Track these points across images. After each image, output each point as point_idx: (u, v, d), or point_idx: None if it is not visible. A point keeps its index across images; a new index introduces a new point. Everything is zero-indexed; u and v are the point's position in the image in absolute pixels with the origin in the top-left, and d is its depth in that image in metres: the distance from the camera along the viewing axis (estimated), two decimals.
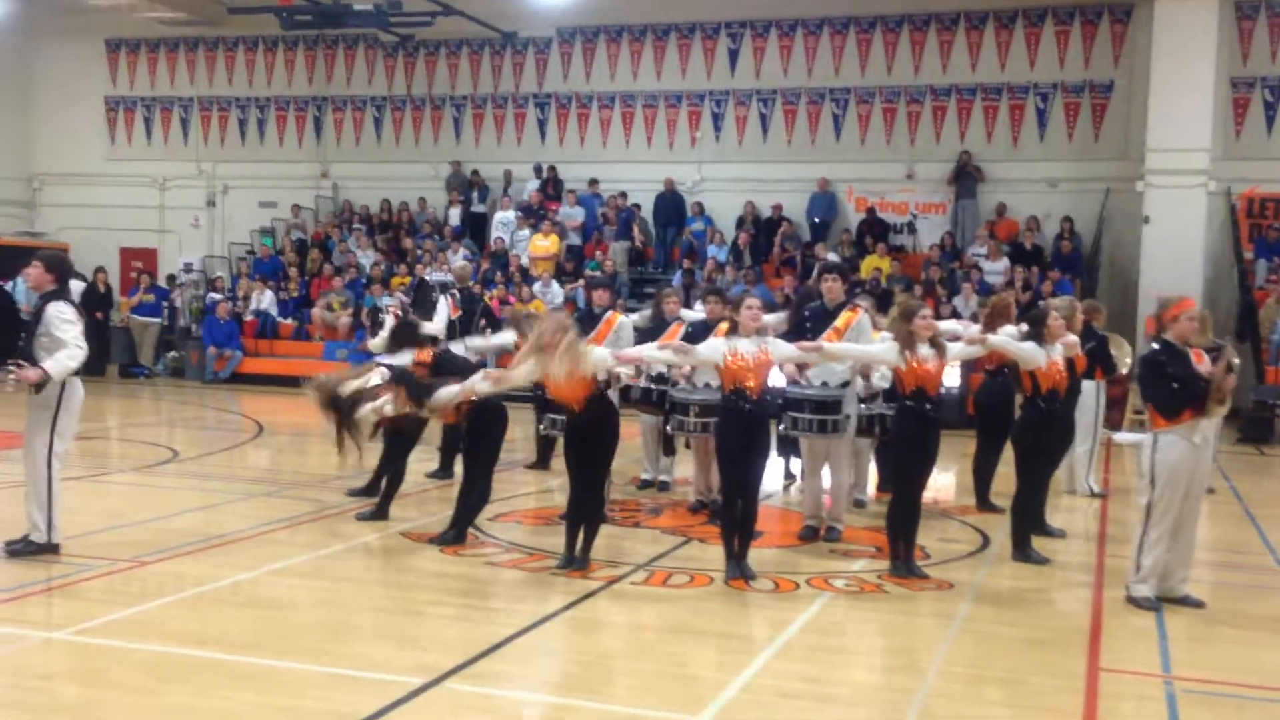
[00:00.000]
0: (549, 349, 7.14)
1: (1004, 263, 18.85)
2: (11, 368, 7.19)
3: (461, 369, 8.29)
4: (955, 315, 16.34)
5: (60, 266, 7.53)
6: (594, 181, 21.66)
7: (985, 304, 10.34)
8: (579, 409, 7.42)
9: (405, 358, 8.55)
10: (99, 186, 24.80)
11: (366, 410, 8.18)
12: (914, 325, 7.49)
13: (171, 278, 23.04)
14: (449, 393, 7.83)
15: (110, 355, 20.99)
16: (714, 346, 7.45)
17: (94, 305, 20.07)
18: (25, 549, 7.40)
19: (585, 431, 7.50)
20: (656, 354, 7.87)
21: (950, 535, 9.19)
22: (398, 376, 8.16)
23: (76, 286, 19.07)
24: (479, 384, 7.77)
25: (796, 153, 21.27)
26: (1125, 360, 11.71)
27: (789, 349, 7.57)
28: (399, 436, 9.14)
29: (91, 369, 19.21)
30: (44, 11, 24.09)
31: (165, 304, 21.80)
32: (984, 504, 10.15)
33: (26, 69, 25.20)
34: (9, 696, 5.28)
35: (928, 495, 9.16)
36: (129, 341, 21.30)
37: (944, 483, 11.71)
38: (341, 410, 8.21)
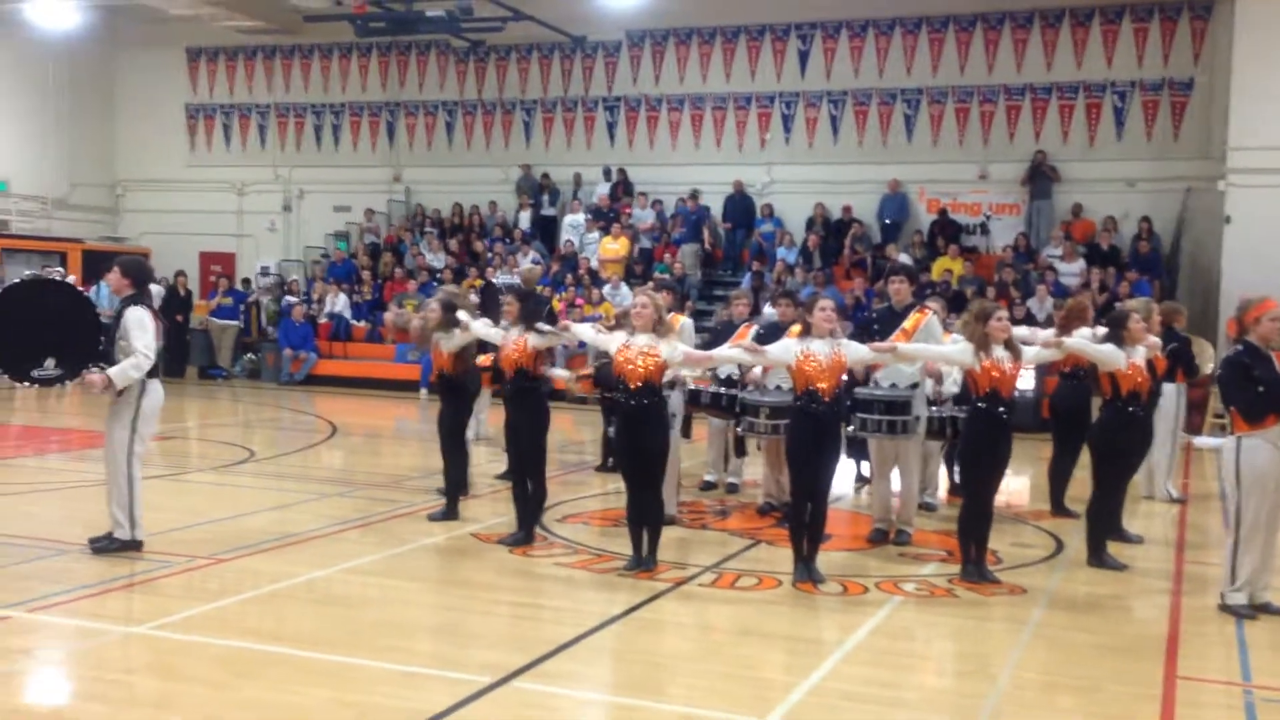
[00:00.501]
0: (635, 316, 7.42)
1: (1080, 264, 18.54)
2: (94, 372, 7.38)
3: None
4: (1030, 317, 16.12)
5: (138, 272, 7.68)
6: (695, 194, 21.26)
7: (1061, 306, 10.17)
8: (633, 388, 7.40)
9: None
10: (179, 192, 25.38)
11: (458, 332, 8.85)
12: (989, 327, 7.40)
13: (247, 281, 23.49)
14: (549, 332, 8.15)
15: (190, 357, 21.47)
16: (786, 347, 7.45)
17: (174, 309, 20.57)
18: (110, 545, 7.58)
19: (633, 425, 7.48)
20: (728, 353, 7.90)
21: (1024, 540, 9.06)
22: (519, 294, 8.43)
23: (157, 291, 19.60)
24: (581, 328, 8.08)
25: (867, 154, 21.11)
26: (1207, 363, 11.45)
27: (863, 350, 7.52)
28: (448, 426, 9.26)
29: (171, 370, 19.77)
30: (126, 21, 24.72)
31: (243, 307, 22.22)
32: (1059, 509, 10.00)
33: (110, 78, 25.86)
34: (90, 689, 5.42)
35: (1001, 499, 9.04)
36: (208, 344, 21.76)
37: (1018, 487, 11.55)
38: (447, 315, 8.91)
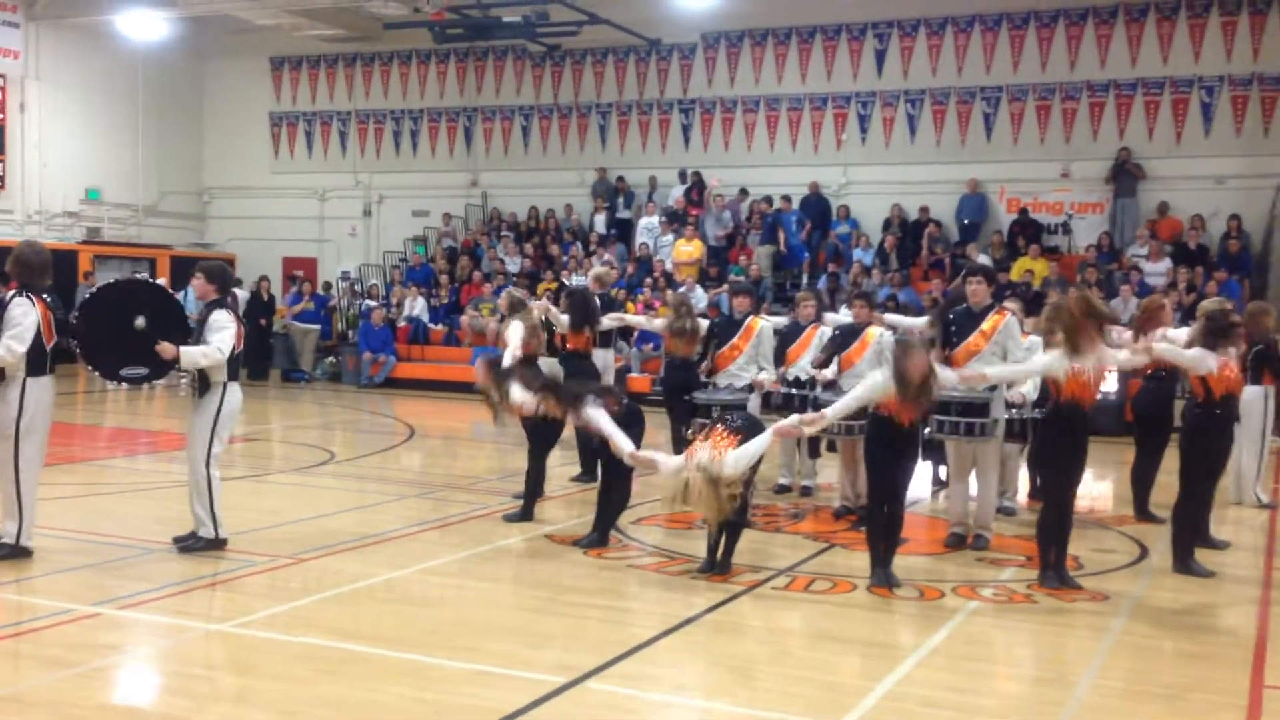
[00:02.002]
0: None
1: (1166, 263, 18.13)
2: (183, 374, 7.58)
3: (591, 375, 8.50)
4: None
5: (220, 277, 7.86)
6: (787, 198, 20.89)
7: (1139, 307, 9.97)
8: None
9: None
10: (263, 199, 25.92)
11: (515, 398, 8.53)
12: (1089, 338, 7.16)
13: (328, 285, 23.90)
14: (595, 417, 7.79)
15: (272, 361, 21.89)
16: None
17: (257, 313, 20.98)
18: (195, 545, 7.76)
19: None
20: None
21: (1107, 545, 8.88)
22: (551, 386, 8.30)
23: (242, 295, 20.01)
24: (622, 443, 7.68)
25: (945, 153, 20.87)
26: None
27: (950, 377, 7.35)
28: (538, 435, 9.30)
29: (255, 374, 20.15)
30: (212, 32, 25.31)
31: (323, 311, 22.60)
32: (1143, 513, 9.79)
33: (197, 88, 26.49)
34: (174, 685, 5.56)
35: (1084, 504, 8.87)
36: (289, 347, 22.16)
37: (1101, 491, 11.32)
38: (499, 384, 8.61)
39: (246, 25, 23.79)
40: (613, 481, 8.39)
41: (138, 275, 8.18)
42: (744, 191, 21.57)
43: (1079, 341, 7.03)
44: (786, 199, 20.88)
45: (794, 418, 7.21)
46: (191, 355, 7.49)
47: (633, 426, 8.25)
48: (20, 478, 7.35)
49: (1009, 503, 9.87)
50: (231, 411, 7.79)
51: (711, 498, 6.79)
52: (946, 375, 7.31)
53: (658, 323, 11.28)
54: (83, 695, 5.28)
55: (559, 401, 8.09)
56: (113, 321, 7.55)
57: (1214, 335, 7.88)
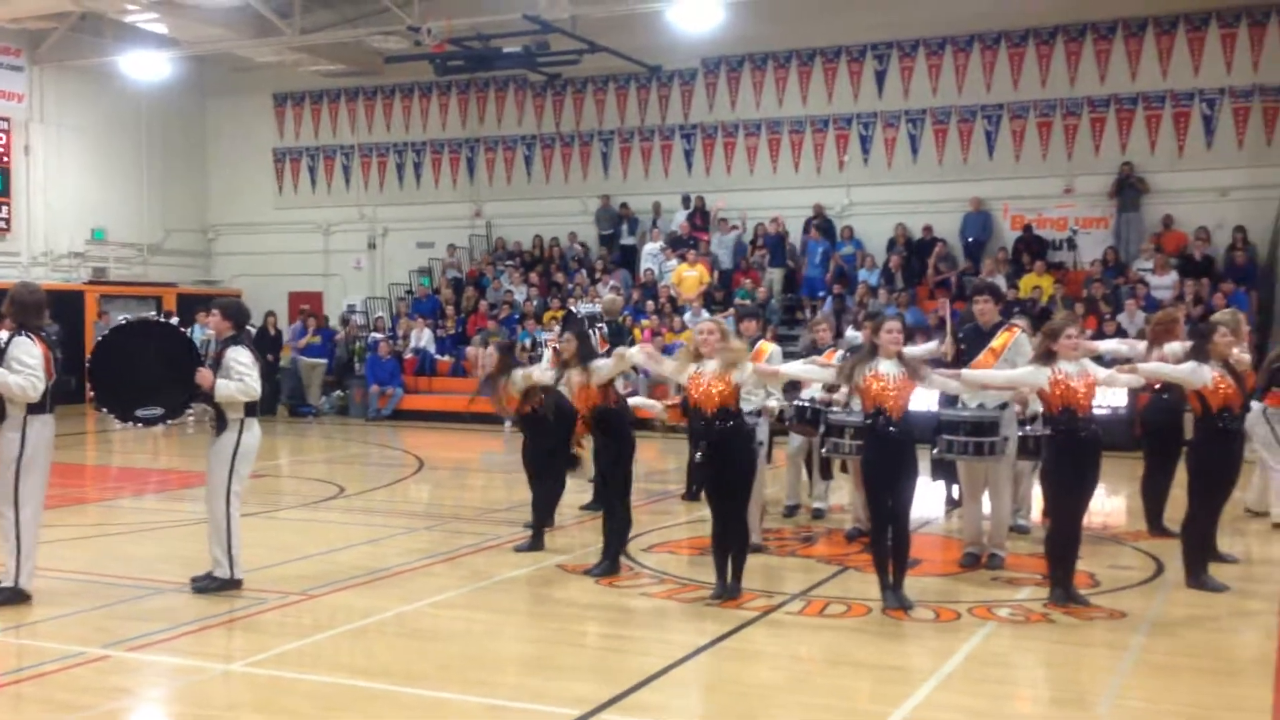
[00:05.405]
0: (702, 344, 7.40)
1: (1172, 276, 18.10)
2: (191, 411, 7.55)
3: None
4: (1120, 332, 15.76)
5: (237, 314, 7.88)
6: (822, 227, 20.94)
7: (1150, 320, 9.93)
8: (711, 414, 7.38)
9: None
10: (268, 234, 25.99)
11: (520, 373, 9.08)
12: (1058, 345, 7.26)
13: (344, 319, 23.84)
14: (607, 365, 8.11)
15: (280, 396, 21.85)
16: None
17: (265, 348, 20.96)
18: (210, 585, 7.71)
19: (719, 453, 7.45)
20: (799, 369, 8.00)
21: (1122, 562, 8.81)
22: (578, 333, 8.42)
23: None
24: (634, 353, 8.06)
25: (948, 172, 20.89)
26: None
27: (937, 380, 7.44)
28: (531, 458, 9.32)
29: (263, 408, 20.10)
30: (215, 70, 25.47)
31: (330, 344, 22.58)
32: (1156, 529, 9.71)
33: (200, 125, 26.64)
34: None
35: (1098, 520, 8.81)
36: (297, 382, 22.13)
37: (1115, 507, 11.25)
38: (504, 358, 9.33)
39: (249, 63, 23.93)
40: (612, 507, 8.36)
41: (149, 316, 8.15)
42: (777, 221, 21.35)
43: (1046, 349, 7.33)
44: (820, 228, 20.73)
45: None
46: (228, 389, 7.50)
47: (622, 450, 8.29)
48: (20, 516, 7.27)
49: (1023, 521, 9.80)
50: (250, 448, 7.76)
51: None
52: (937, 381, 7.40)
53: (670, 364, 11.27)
54: None
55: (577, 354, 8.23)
56: (125, 363, 7.53)
57: (1202, 348, 7.83)
